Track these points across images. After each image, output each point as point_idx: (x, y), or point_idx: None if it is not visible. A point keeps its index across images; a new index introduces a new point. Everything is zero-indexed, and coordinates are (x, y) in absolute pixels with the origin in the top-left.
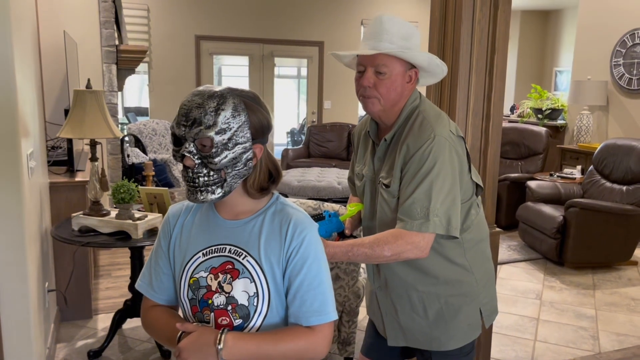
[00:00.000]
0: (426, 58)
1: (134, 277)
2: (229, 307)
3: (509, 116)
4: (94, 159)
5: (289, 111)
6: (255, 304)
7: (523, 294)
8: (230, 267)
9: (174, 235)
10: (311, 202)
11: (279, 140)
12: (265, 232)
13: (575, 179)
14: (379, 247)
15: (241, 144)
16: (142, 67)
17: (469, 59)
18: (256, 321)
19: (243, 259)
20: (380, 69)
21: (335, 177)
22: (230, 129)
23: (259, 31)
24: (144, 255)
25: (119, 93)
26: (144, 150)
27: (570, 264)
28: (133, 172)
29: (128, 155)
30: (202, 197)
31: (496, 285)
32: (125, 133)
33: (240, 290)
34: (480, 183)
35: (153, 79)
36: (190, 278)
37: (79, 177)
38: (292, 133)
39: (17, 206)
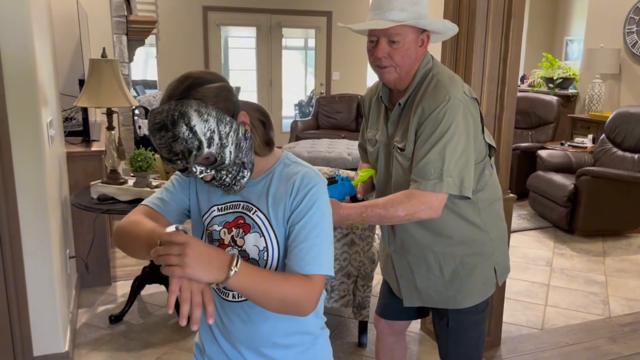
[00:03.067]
0: (440, 24)
1: None
2: (250, 257)
3: (519, 86)
4: (110, 127)
5: (296, 83)
6: (265, 258)
7: (533, 261)
8: (242, 221)
9: (192, 187)
10: (327, 169)
11: (288, 112)
12: (274, 188)
13: (586, 147)
14: (393, 208)
15: (230, 131)
16: (150, 39)
17: (485, 23)
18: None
19: (253, 214)
20: (393, 38)
21: (345, 147)
22: (212, 131)
23: (267, 1)
24: None
25: (131, 64)
26: None
27: (580, 232)
28: (145, 144)
29: (139, 127)
30: (238, 187)
31: (507, 229)
32: (136, 105)
33: (252, 244)
34: (494, 144)
35: (161, 50)
36: (206, 230)
37: (95, 147)
38: (300, 105)
39: (39, 174)
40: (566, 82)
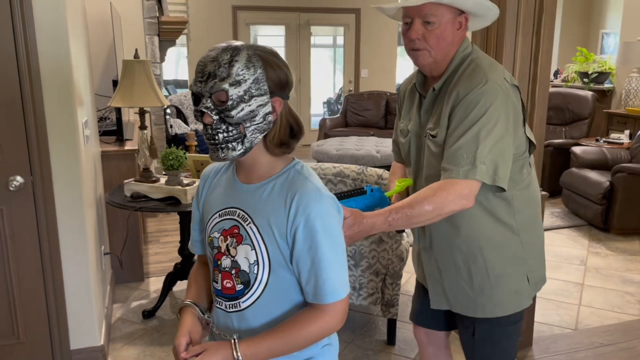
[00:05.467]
0: (477, 4)
1: (183, 241)
2: (233, 271)
3: (552, 81)
4: (143, 127)
5: (325, 81)
6: (255, 272)
7: (567, 259)
8: (237, 231)
9: (203, 194)
10: (354, 167)
11: (316, 110)
12: (272, 201)
13: (622, 144)
14: (419, 204)
15: (258, 96)
16: (181, 39)
17: (516, 18)
18: (256, 289)
19: (247, 224)
20: (428, 19)
21: (373, 145)
22: (246, 80)
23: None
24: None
25: (162, 64)
26: (185, 121)
27: (616, 230)
28: (176, 143)
29: (171, 126)
30: (223, 155)
31: (543, 235)
32: (168, 104)
33: (243, 256)
34: (534, 140)
35: (192, 50)
36: (208, 237)
37: (128, 146)
38: (328, 103)
39: (76, 172)
40: (602, 76)
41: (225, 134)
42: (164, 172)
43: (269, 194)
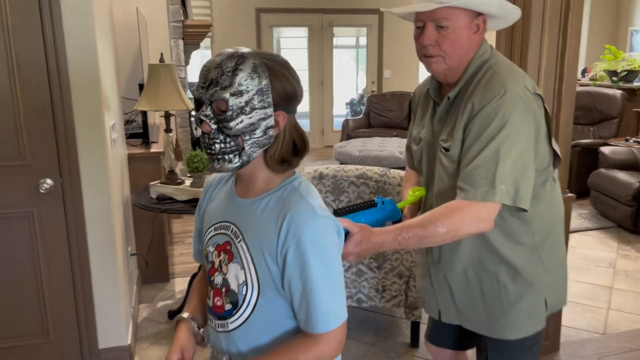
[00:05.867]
0: (496, 5)
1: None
2: (223, 289)
3: (580, 80)
4: (168, 130)
5: (348, 81)
6: (244, 292)
7: (595, 262)
8: (229, 247)
9: (204, 204)
10: (377, 169)
11: (339, 111)
12: (265, 219)
13: None
14: (432, 225)
15: (260, 109)
16: (206, 42)
17: (541, 17)
18: (245, 310)
19: (238, 242)
20: (441, 23)
21: (396, 146)
22: (248, 91)
23: (319, 1)
24: None
25: (187, 67)
26: None
27: None
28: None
29: (196, 129)
30: (219, 166)
31: (566, 254)
32: (192, 107)
33: (233, 274)
34: (559, 153)
35: (215, 52)
36: (205, 250)
37: (154, 149)
38: (351, 104)
39: (103, 175)
40: (631, 74)
41: (222, 145)
42: (188, 175)
43: (262, 210)
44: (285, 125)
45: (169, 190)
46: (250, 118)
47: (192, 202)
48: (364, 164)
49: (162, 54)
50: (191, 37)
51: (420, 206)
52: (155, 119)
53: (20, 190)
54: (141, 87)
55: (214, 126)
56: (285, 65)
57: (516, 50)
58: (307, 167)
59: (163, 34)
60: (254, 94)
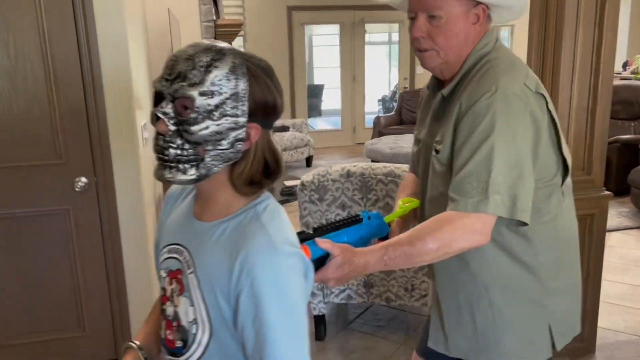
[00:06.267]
0: None
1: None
2: (175, 323)
3: (620, 73)
4: None
5: (380, 78)
6: (194, 331)
7: (634, 262)
8: (180, 277)
9: (163, 217)
10: (405, 167)
11: (371, 108)
12: (219, 251)
13: None
14: (421, 241)
15: (231, 116)
16: (238, 41)
17: (576, 9)
18: (195, 350)
19: (190, 273)
20: (433, 12)
21: None
22: (221, 93)
23: None
24: None
25: None
26: None
27: None
28: None
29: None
30: (169, 176)
31: (604, 254)
32: None
33: (183, 310)
34: (569, 161)
35: (248, 50)
36: (158, 272)
37: None
38: (383, 100)
39: (135, 173)
40: None
41: (178, 151)
42: None
43: (217, 239)
44: (257, 141)
45: None
46: (217, 125)
47: None
48: (395, 162)
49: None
50: (223, 36)
51: (410, 220)
52: None
53: (57, 189)
54: None
55: (172, 127)
56: (269, 72)
57: (549, 44)
58: (335, 165)
59: (195, 33)
60: (227, 98)
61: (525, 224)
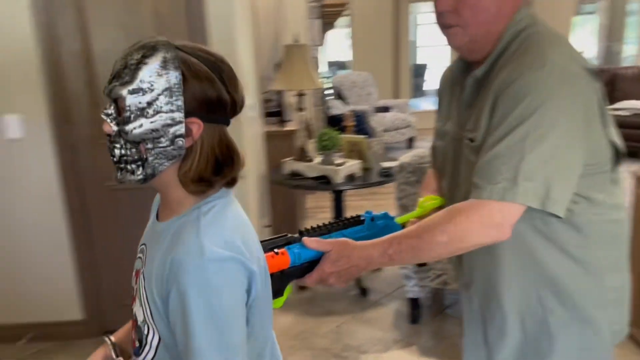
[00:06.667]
0: None
1: (337, 217)
2: (135, 323)
3: None
4: (300, 109)
5: None
6: (145, 332)
7: None
8: (137, 278)
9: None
10: None
11: None
12: (162, 250)
13: None
14: (429, 233)
15: (166, 112)
16: (344, 21)
17: None
18: (147, 353)
19: (142, 274)
20: None
21: None
22: (152, 89)
23: None
24: (342, 198)
25: (321, 47)
26: (344, 102)
27: None
28: (334, 123)
29: (329, 107)
30: (120, 176)
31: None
32: (327, 86)
33: (136, 310)
34: (620, 145)
35: (355, 31)
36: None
37: (288, 127)
38: None
39: (239, 148)
40: None
41: (122, 151)
42: (319, 152)
43: (164, 239)
44: (202, 136)
45: (299, 167)
46: (152, 122)
47: (321, 179)
48: None
49: (296, 34)
50: (328, 16)
51: None
52: (291, 98)
53: None
54: (277, 67)
55: (115, 128)
56: (217, 66)
57: None
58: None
59: (301, 14)
60: (159, 94)
61: (559, 217)
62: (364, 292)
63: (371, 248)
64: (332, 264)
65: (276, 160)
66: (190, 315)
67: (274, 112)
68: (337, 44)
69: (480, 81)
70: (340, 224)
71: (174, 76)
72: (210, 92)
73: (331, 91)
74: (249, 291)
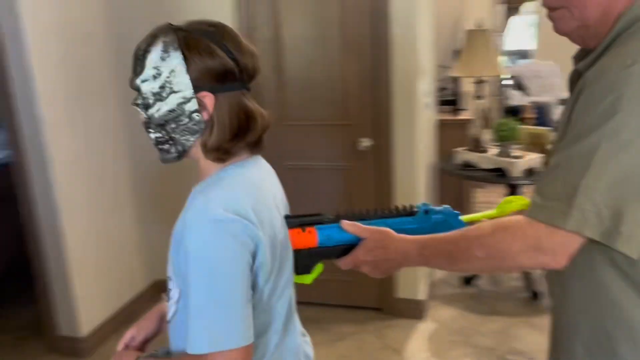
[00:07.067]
0: None
1: None
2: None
3: None
4: (479, 97)
5: None
6: (170, 287)
7: None
8: None
9: None
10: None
11: None
12: (182, 213)
13: None
14: (466, 242)
15: (177, 92)
16: (529, 6)
17: None
18: (171, 307)
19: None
20: None
21: None
22: (160, 74)
23: None
24: (517, 194)
25: (502, 34)
26: (523, 93)
27: None
28: (513, 113)
29: (508, 98)
30: (162, 157)
31: None
32: (506, 75)
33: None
34: None
35: (543, 18)
36: None
37: (462, 116)
38: None
39: (411, 138)
40: None
41: (155, 135)
42: (494, 144)
43: (188, 202)
44: (216, 107)
45: (472, 157)
46: (167, 104)
47: (496, 172)
48: None
49: (480, 19)
50: (513, 1)
51: None
52: (467, 86)
53: (342, 147)
54: (455, 54)
55: (144, 115)
56: (215, 36)
57: None
58: None
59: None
60: (167, 77)
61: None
62: (535, 295)
63: (410, 243)
64: (368, 252)
65: (448, 149)
66: (192, 273)
67: (448, 100)
68: (519, 31)
69: (583, 73)
70: (387, 211)
71: (175, 57)
72: (212, 64)
73: (509, 81)
74: (254, 256)
